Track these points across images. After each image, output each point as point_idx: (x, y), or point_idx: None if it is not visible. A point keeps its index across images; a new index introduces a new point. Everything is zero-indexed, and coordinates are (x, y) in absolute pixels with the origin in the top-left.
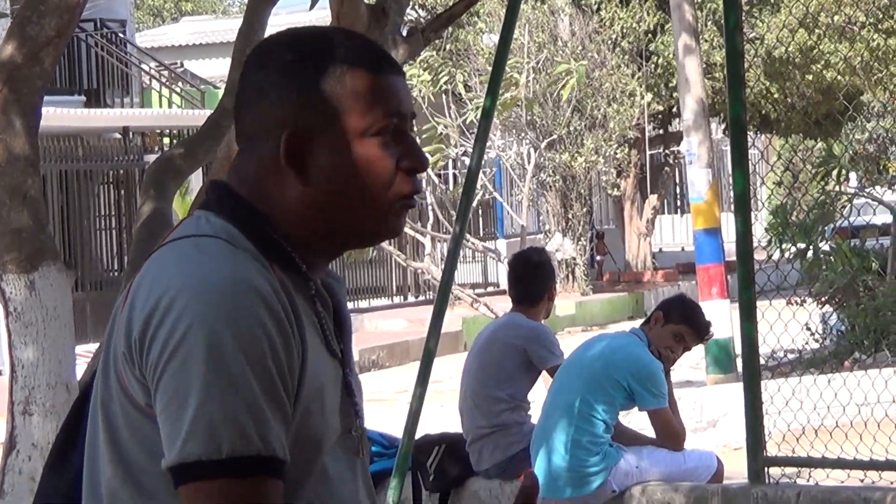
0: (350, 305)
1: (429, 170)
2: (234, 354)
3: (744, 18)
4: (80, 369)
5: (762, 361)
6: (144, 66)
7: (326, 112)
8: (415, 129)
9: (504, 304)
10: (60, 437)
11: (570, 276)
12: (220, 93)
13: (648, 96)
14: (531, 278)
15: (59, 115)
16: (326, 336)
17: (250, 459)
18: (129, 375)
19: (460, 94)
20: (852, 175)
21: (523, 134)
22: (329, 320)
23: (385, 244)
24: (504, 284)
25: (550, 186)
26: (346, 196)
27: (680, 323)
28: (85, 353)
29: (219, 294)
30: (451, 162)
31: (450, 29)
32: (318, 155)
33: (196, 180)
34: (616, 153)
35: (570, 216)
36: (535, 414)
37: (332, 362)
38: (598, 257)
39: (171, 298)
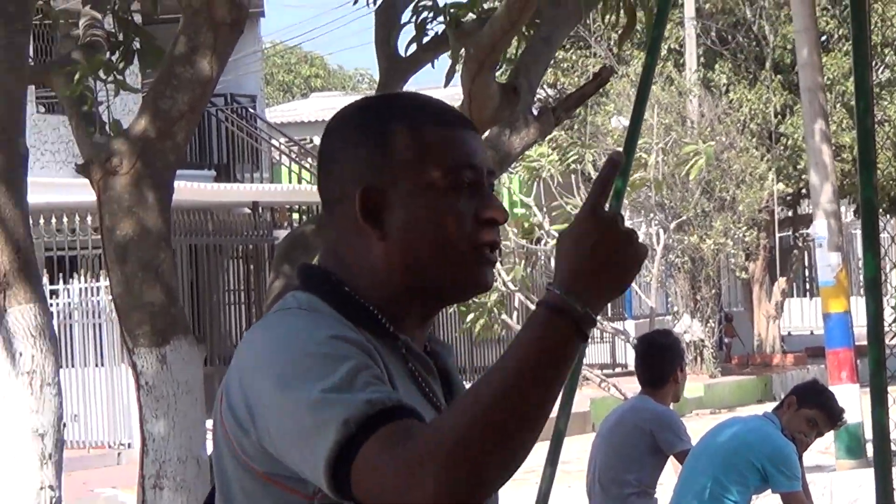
0: None
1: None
2: (307, 351)
3: (874, 101)
4: (210, 444)
5: (893, 448)
6: (274, 142)
7: (398, 166)
8: (495, 183)
9: (632, 385)
10: None
11: (699, 359)
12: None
13: (778, 179)
14: (658, 361)
15: (190, 189)
16: (427, 392)
17: (376, 415)
18: (245, 447)
19: (589, 173)
20: None
21: (652, 215)
22: (434, 380)
23: (513, 324)
24: (632, 365)
25: (679, 268)
26: (425, 250)
27: (813, 408)
28: None
29: (292, 335)
30: None
31: (579, 109)
32: (394, 209)
33: None
34: (745, 235)
35: (698, 298)
36: (661, 498)
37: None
38: (726, 340)
39: (255, 359)
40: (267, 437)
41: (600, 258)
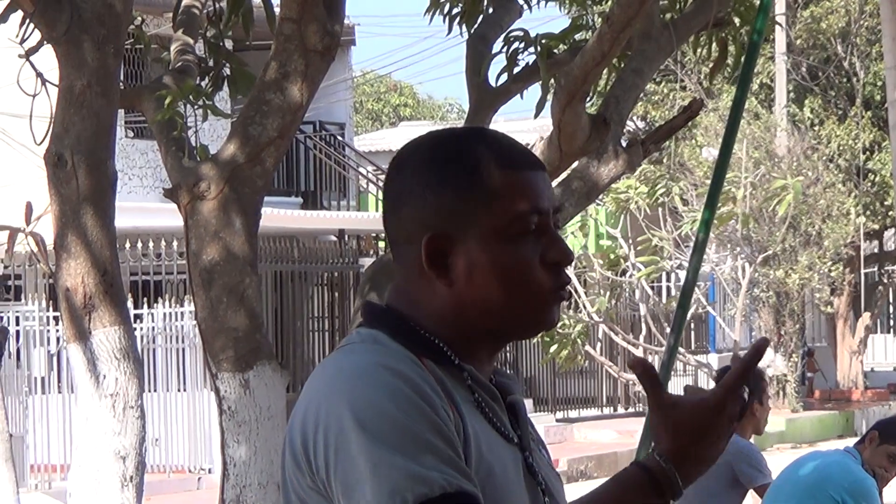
0: (559, 415)
1: (643, 281)
2: (380, 419)
3: None
4: None
5: None
6: (362, 170)
7: (464, 213)
8: (560, 222)
9: None
10: None
11: (781, 393)
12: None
13: (864, 215)
14: None
15: (277, 215)
16: (494, 422)
17: (439, 499)
18: (303, 486)
19: (675, 207)
20: None
21: (738, 249)
22: (501, 410)
23: (597, 355)
24: None
25: (764, 302)
26: (492, 296)
27: None
28: None
29: (356, 376)
30: (664, 274)
31: (669, 142)
32: (460, 256)
33: None
34: (830, 271)
35: (782, 332)
36: None
37: (509, 447)
38: (808, 374)
39: (320, 401)
40: (325, 476)
41: (710, 442)
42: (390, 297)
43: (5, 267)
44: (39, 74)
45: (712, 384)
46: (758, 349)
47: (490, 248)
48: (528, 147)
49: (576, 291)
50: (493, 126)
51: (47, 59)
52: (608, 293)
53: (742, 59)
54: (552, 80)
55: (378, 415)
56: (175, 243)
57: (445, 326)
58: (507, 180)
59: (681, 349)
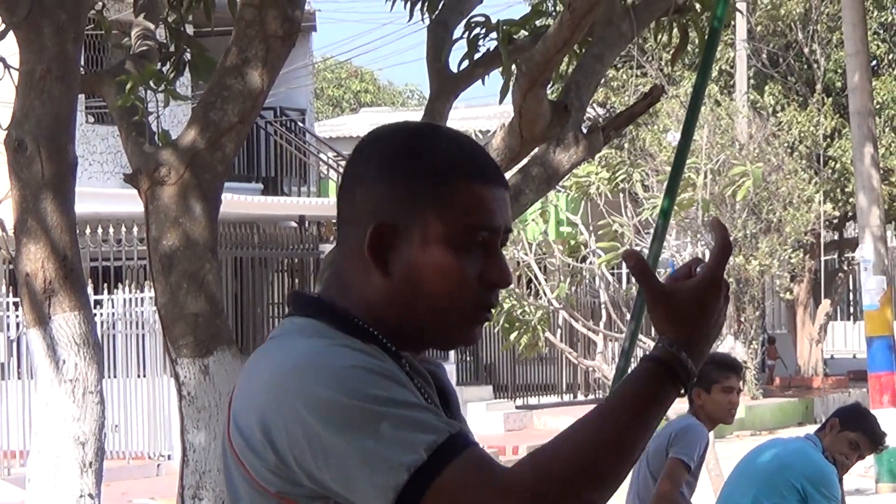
0: (519, 402)
1: (603, 267)
2: (350, 401)
3: None
4: None
5: None
6: (323, 156)
7: (418, 212)
8: (508, 241)
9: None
10: None
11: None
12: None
13: (825, 202)
14: None
15: (237, 201)
16: (431, 406)
17: (448, 442)
18: (259, 469)
19: (636, 193)
20: None
21: (699, 235)
22: (433, 395)
23: (557, 341)
24: None
25: None
26: (424, 298)
27: (856, 431)
28: None
29: (308, 366)
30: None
31: (629, 128)
32: (401, 252)
33: None
34: (790, 258)
35: (742, 319)
36: None
37: None
38: (769, 362)
39: (272, 392)
40: (294, 464)
41: (713, 321)
42: (324, 285)
43: None
44: (1, 59)
45: None
46: (724, 240)
47: (433, 250)
48: (489, 134)
49: (536, 278)
50: (453, 111)
51: (11, 44)
52: (568, 280)
53: (703, 45)
54: (513, 67)
55: (360, 383)
56: (135, 229)
57: (373, 316)
58: (466, 190)
59: (641, 335)
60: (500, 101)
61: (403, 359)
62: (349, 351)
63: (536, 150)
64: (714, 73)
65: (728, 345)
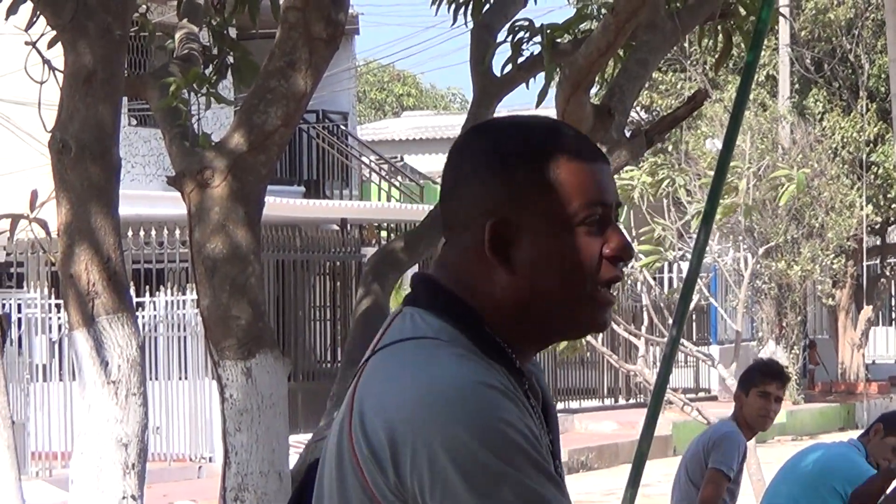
0: (560, 406)
1: (645, 271)
2: (489, 457)
3: None
4: (293, 459)
5: None
6: (365, 159)
7: (530, 201)
8: (619, 217)
9: (715, 411)
10: None
11: None
12: (440, 188)
13: (868, 207)
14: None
15: (279, 204)
16: (538, 422)
17: None
18: (378, 484)
19: (679, 197)
20: None
21: (741, 240)
22: (539, 408)
23: (598, 345)
24: (716, 390)
25: (766, 294)
26: (555, 287)
27: None
28: (296, 443)
29: (456, 402)
30: (667, 265)
31: (673, 132)
32: (523, 244)
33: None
34: (832, 263)
35: (784, 324)
36: None
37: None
38: (810, 367)
39: (410, 412)
40: (414, 494)
41: None
42: (444, 278)
43: (7, 254)
44: (47, 62)
45: (714, 374)
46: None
47: (553, 237)
48: None
49: None
50: (496, 115)
51: (56, 46)
52: None
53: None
54: (556, 70)
55: (486, 455)
56: (177, 231)
57: (501, 317)
58: (574, 170)
59: (683, 340)
60: (537, 105)
61: (525, 379)
62: (496, 395)
63: None
64: (760, 78)
65: (769, 350)
